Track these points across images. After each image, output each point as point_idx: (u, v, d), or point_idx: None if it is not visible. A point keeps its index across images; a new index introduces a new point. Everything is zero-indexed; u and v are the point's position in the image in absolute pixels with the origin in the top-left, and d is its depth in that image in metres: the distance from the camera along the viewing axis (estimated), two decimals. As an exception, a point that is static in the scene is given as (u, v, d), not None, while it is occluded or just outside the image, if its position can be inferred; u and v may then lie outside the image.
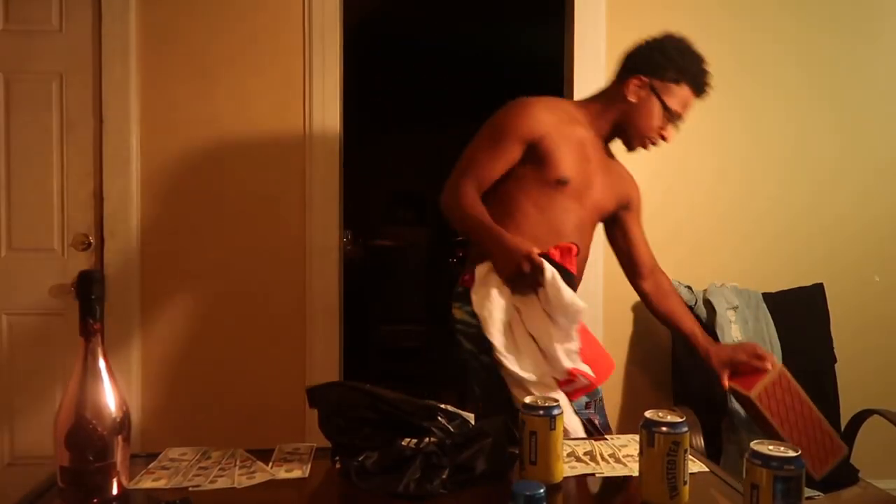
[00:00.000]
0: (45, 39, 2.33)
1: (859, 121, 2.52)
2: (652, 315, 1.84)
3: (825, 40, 2.50)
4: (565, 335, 1.40)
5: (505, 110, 1.61)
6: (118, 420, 0.91)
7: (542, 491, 0.77)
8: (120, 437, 0.92)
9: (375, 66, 4.37)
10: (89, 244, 2.35)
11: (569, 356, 1.39)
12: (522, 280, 1.44)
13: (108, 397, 0.91)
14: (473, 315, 1.49)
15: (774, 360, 1.62)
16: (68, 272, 2.33)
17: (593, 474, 1.11)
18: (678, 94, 1.63)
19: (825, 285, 2.37)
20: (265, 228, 2.37)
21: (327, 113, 2.36)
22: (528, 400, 1.06)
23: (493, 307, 1.43)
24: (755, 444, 0.87)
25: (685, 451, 0.96)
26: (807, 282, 2.39)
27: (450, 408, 1.17)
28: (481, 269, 1.51)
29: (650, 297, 1.82)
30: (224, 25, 2.36)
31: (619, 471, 1.12)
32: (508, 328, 1.44)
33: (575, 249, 1.49)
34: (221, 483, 1.05)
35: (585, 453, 1.20)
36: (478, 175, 1.57)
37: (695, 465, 1.14)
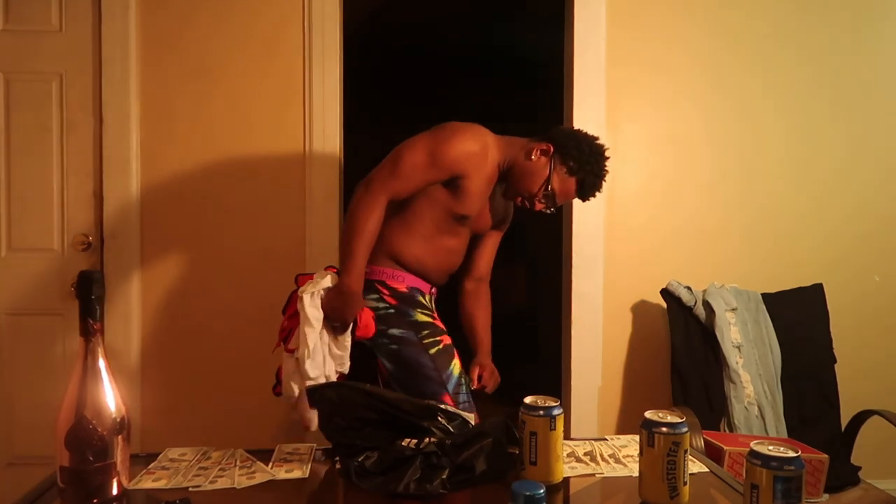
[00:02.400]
0: (45, 39, 2.33)
1: (859, 121, 2.52)
2: (461, 312, 2.03)
3: (826, 42, 2.50)
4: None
5: (451, 138, 1.70)
6: (118, 420, 0.91)
7: (542, 491, 0.77)
8: (120, 437, 0.92)
9: (375, 66, 4.36)
10: (89, 244, 2.35)
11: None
12: (331, 323, 1.66)
13: (108, 397, 0.91)
14: (380, 300, 1.74)
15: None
16: (68, 272, 2.33)
17: (593, 474, 1.11)
18: (565, 183, 1.76)
19: (825, 286, 2.37)
20: (265, 228, 2.37)
21: (327, 112, 2.36)
22: (528, 400, 1.06)
23: (317, 319, 1.62)
24: (755, 445, 0.87)
25: (685, 451, 0.96)
26: (807, 282, 2.39)
27: (450, 408, 1.17)
28: (327, 279, 1.66)
29: (466, 293, 2.02)
30: (224, 26, 2.36)
31: (619, 471, 1.12)
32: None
33: (373, 330, 1.72)
34: (221, 483, 1.05)
35: (585, 453, 1.20)
36: (400, 188, 1.69)
37: (695, 465, 1.14)
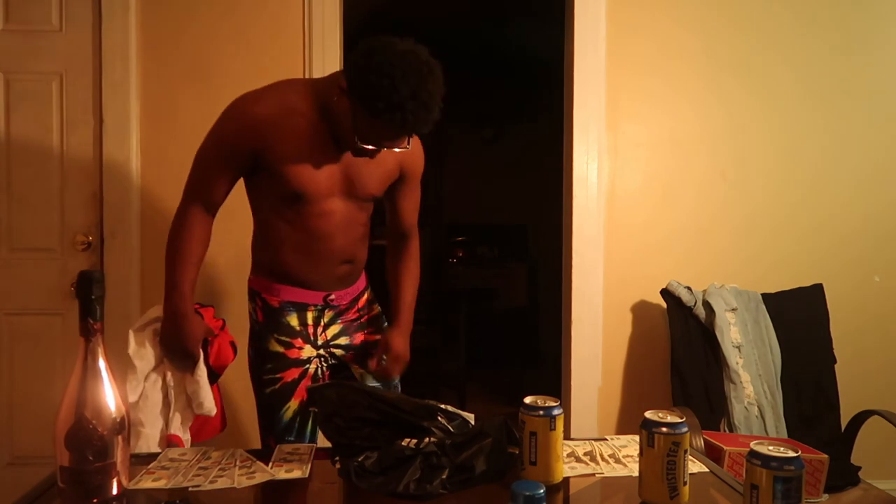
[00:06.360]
0: (45, 39, 2.33)
1: (859, 121, 2.51)
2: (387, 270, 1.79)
3: (825, 39, 2.50)
4: (189, 410, 1.54)
5: (226, 114, 1.45)
6: (118, 420, 0.91)
7: (542, 491, 0.77)
8: (120, 437, 0.92)
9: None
10: (89, 244, 2.35)
11: (181, 423, 1.52)
12: (174, 356, 1.50)
13: (108, 397, 0.91)
14: (254, 311, 1.59)
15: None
16: (68, 272, 2.33)
17: (593, 474, 1.11)
18: (373, 126, 1.33)
19: (825, 286, 2.37)
20: (265, 228, 2.37)
21: (327, 113, 2.36)
22: (527, 400, 1.06)
23: (144, 360, 1.49)
24: (755, 445, 0.87)
25: (685, 451, 0.96)
26: (807, 282, 2.39)
27: (450, 408, 1.17)
28: (151, 312, 1.54)
29: (388, 251, 1.77)
30: (224, 25, 2.36)
31: (619, 471, 1.12)
32: (153, 376, 1.51)
33: (231, 356, 1.60)
34: (221, 483, 1.05)
35: (585, 453, 1.20)
36: (205, 191, 1.48)
37: (695, 465, 1.14)
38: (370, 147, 1.37)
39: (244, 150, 1.43)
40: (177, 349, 1.50)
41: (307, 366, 1.58)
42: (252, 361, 1.60)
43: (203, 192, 1.49)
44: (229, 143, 1.44)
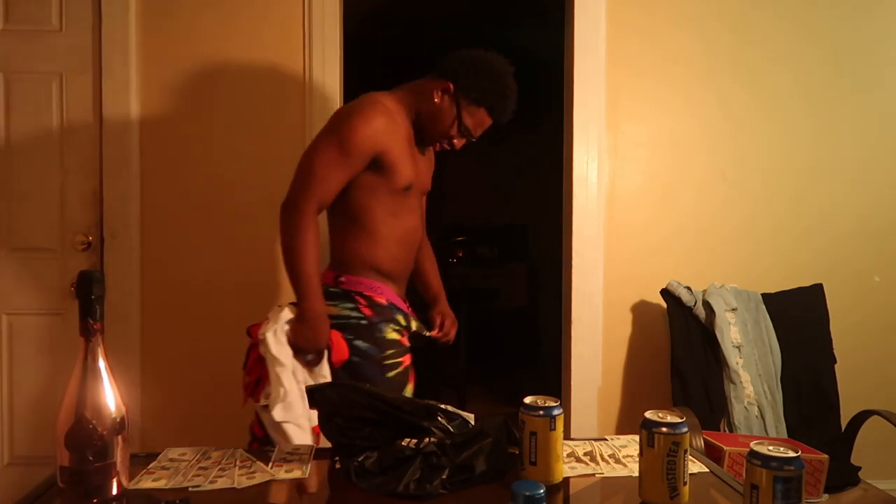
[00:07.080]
0: (45, 39, 2.33)
1: (860, 121, 2.52)
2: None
3: (821, 41, 2.50)
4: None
5: (349, 121, 1.64)
6: (118, 420, 0.91)
7: (542, 491, 0.77)
8: (120, 437, 0.91)
9: (375, 65, 4.36)
10: (89, 244, 2.35)
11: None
12: (305, 355, 1.61)
13: (108, 397, 0.91)
14: (355, 310, 1.68)
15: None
16: (68, 272, 2.33)
17: (593, 474, 1.11)
18: (475, 115, 1.73)
19: (825, 285, 2.37)
20: (265, 228, 2.37)
21: (328, 113, 2.35)
22: (527, 400, 1.06)
23: (288, 359, 1.57)
24: (755, 445, 0.87)
25: (685, 451, 0.96)
26: (806, 282, 2.39)
27: (450, 408, 1.17)
28: (284, 313, 1.61)
29: None
30: (224, 24, 2.36)
31: (619, 471, 1.12)
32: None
33: (346, 352, 1.64)
34: (221, 483, 1.05)
35: (585, 453, 1.20)
36: (323, 193, 1.62)
37: (695, 465, 1.14)
38: (462, 138, 1.76)
39: (370, 152, 1.63)
40: (311, 349, 1.60)
41: (411, 352, 1.77)
42: (363, 353, 1.66)
43: (321, 194, 1.62)
44: (358, 148, 1.61)
